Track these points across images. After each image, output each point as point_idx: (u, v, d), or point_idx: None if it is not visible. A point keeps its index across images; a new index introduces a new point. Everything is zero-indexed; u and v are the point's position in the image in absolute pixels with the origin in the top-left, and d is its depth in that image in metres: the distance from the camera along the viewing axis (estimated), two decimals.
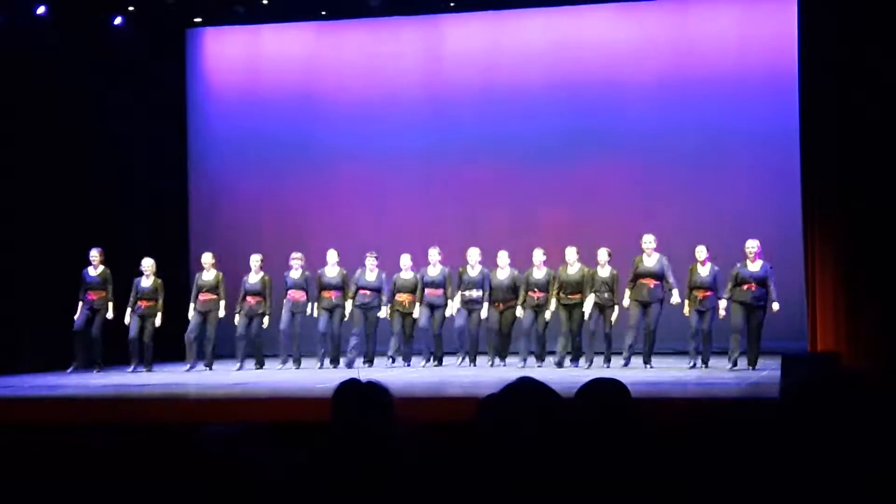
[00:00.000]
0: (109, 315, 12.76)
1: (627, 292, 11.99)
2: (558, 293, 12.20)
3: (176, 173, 15.38)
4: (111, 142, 14.10)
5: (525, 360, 12.32)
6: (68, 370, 12.53)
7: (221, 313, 12.79)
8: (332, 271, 12.84)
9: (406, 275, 12.78)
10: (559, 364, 12.03)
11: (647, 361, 11.82)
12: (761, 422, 2.91)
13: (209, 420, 7.76)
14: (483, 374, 11.34)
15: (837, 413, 2.70)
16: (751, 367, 11.34)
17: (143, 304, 12.75)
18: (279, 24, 15.39)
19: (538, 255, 12.40)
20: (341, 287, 12.75)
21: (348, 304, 12.74)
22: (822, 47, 10.63)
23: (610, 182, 14.52)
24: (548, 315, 12.27)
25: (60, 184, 13.40)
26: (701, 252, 11.83)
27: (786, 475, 2.73)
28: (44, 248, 13.12)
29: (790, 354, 10.00)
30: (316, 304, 12.78)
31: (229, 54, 15.78)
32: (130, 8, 14.27)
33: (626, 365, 11.79)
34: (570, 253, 12.26)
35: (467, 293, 12.56)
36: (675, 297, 11.89)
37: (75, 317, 12.74)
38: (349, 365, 12.53)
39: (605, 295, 12.06)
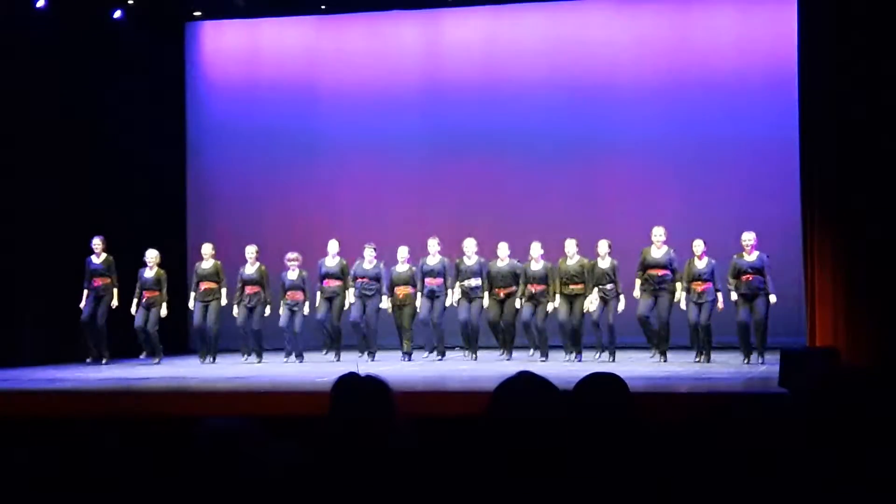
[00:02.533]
0: (115, 303, 12.81)
1: (638, 283, 12.05)
2: (560, 284, 12.23)
3: (175, 165, 15.39)
4: (110, 135, 14.10)
5: (531, 352, 12.37)
6: (87, 361, 12.65)
7: (223, 301, 12.88)
8: (332, 261, 12.91)
9: (402, 267, 12.80)
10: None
11: (661, 354, 11.89)
12: (761, 419, 2.91)
13: (208, 414, 7.77)
14: (483, 369, 11.34)
15: (839, 409, 2.70)
16: (760, 360, 11.39)
17: (146, 294, 12.82)
18: (278, 17, 15.40)
19: (536, 249, 12.42)
20: (341, 277, 12.80)
21: (348, 294, 12.79)
22: (822, 47, 10.63)
23: (608, 177, 14.51)
24: (550, 308, 12.30)
25: (60, 176, 13.41)
26: (698, 246, 11.88)
27: (784, 471, 2.73)
28: (43, 240, 13.12)
29: (789, 350, 10.01)
30: (318, 294, 12.83)
31: (228, 47, 15.78)
32: (130, 1, 14.26)
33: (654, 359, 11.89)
34: (570, 245, 12.29)
35: (466, 283, 12.58)
36: (679, 292, 11.92)
37: (81, 305, 12.77)
38: (372, 358, 12.65)
39: (608, 286, 12.09)
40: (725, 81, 14.20)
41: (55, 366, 12.48)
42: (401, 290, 12.77)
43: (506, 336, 12.57)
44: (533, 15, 14.86)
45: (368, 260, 12.79)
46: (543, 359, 12.28)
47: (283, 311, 12.88)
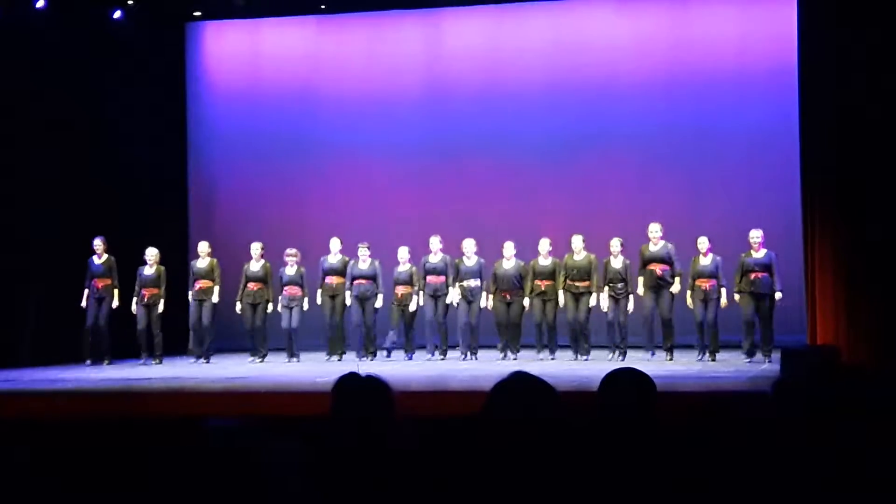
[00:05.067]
0: (115, 303, 12.81)
1: (640, 280, 12.07)
2: (565, 281, 12.23)
3: (175, 166, 15.38)
4: (110, 134, 14.10)
5: (539, 353, 12.35)
6: (87, 362, 12.69)
7: (215, 299, 12.91)
8: (334, 258, 12.94)
9: (403, 267, 12.80)
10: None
11: (667, 351, 11.91)
12: (758, 417, 2.91)
13: (209, 414, 7.77)
14: (484, 369, 11.34)
15: (835, 406, 2.70)
16: (766, 359, 11.41)
17: (146, 292, 12.84)
18: (279, 17, 15.39)
19: (544, 245, 12.40)
20: (344, 274, 12.84)
21: (349, 293, 12.81)
22: (822, 44, 10.63)
23: (611, 176, 14.49)
24: (560, 303, 12.28)
25: (60, 176, 13.40)
26: (703, 243, 11.89)
27: (782, 469, 2.73)
28: (43, 241, 13.12)
29: (790, 348, 10.01)
30: (318, 291, 12.87)
31: (229, 48, 15.77)
32: (129, 1, 14.26)
33: (652, 356, 11.92)
34: (577, 241, 12.29)
35: (465, 283, 12.57)
36: (676, 286, 11.93)
37: (82, 304, 12.78)
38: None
39: (619, 286, 12.09)
40: (727, 79, 14.19)
41: (55, 366, 12.48)
42: (401, 291, 12.76)
43: (511, 336, 12.54)
44: (535, 14, 14.84)
45: (363, 259, 12.81)
46: (552, 357, 12.29)
47: (280, 308, 12.90)
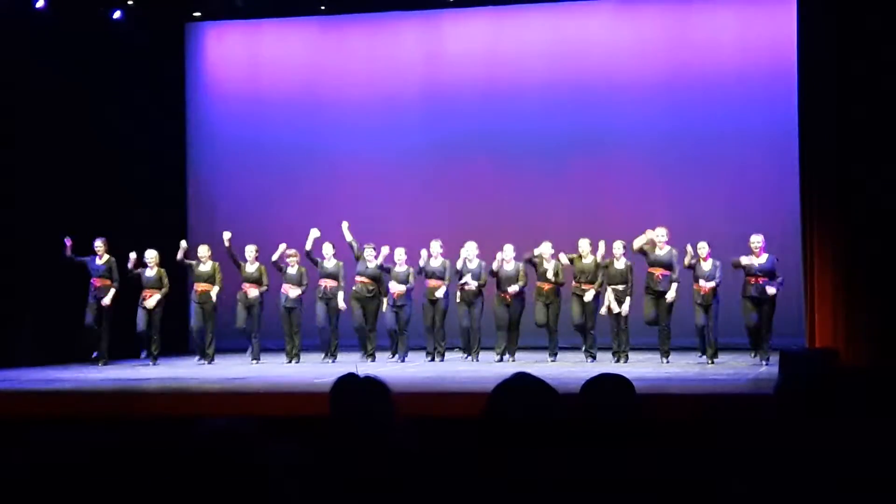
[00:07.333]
0: (106, 301, 12.78)
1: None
2: (574, 282, 12.26)
3: (175, 166, 15.38)
4: (110, 135, 14.09)
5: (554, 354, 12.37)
6: (93, 355, 12.77)
7: (215, 300, 12.90)
8: (329, 263, 12.92)
9: (400, 269, 12.79)
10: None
11: (664, 356, 11.90)
12: (758, 419, 2.91)
13: (208, 414, 7.77)
14: (484, 369, 11.34)
15: (834, 410, 2.70)
16: (764, 362, 11.41)
17: (147, 293, 12.86)
18: (279, 18, 15.40)
19: (546, 248, 12.39)
20: (338, 277, 12.83)
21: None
22: (822, 46, 10.63)
23: (611, 179, 14.50)
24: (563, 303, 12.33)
25: (60, 176, 13.40)
26: (703, 248, 11.87)
27: (782, 472, 2.73)
28: (43, 241, 13.12)
29: (788, 351, 10.00)
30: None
31: (229, 48, 15.77)
32: (129, 1, 14.26)
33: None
34: (584, 244, 12.32)
35: (466, 287, 12.56)
36: (672, 293, 11.89)
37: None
38: (372, 359, 12.74)
39: (621, 287, 12.10)
40: (727, 81, 14.20)
41: (54, 366, 12.48)
42: (396, 291, 12.73)
43: (510, 338, 12.53)
44: (535, 17, 14.85)
45: (368, 261, 12.80)
46: (553, 359, 12.29)
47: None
